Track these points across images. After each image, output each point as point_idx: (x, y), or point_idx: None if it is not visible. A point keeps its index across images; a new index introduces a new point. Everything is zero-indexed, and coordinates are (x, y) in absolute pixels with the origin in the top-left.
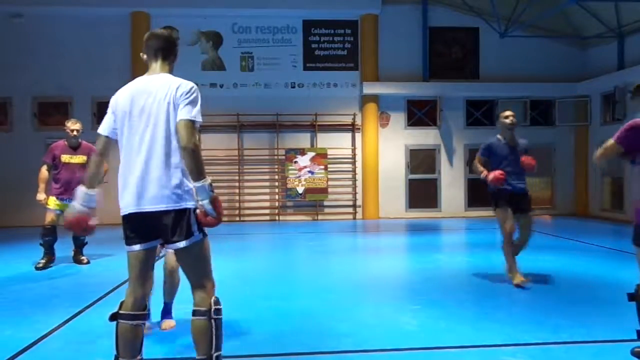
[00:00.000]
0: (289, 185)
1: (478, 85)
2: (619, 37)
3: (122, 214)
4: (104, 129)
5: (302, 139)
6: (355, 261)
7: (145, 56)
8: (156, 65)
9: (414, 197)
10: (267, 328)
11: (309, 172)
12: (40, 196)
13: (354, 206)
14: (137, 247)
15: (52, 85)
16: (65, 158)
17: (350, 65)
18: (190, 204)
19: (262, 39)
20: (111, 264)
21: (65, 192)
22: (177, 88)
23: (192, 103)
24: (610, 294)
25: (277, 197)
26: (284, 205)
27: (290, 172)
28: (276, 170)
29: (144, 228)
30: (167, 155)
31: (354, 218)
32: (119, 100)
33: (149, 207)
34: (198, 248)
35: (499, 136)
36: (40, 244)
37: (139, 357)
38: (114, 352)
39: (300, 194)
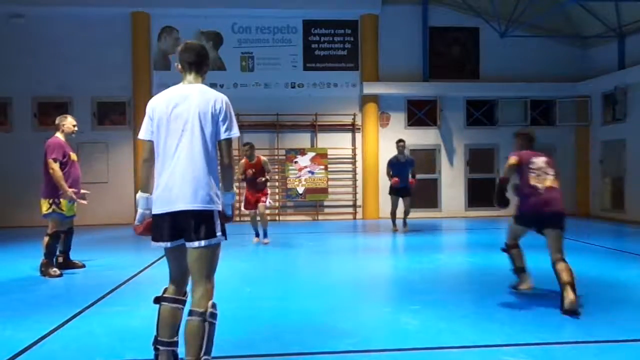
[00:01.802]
0: (289, 185)
1: (478, 85)
2: (620, 36)
3: (157, 212)
4: (147, 134)
5: (302, 139)
6: (355, 261)
7: (179, 66)
8: (190, 77)
9: (414, 197)
10: (267, 328)
11: (309, 172)
12: (70, 194)
13: (354, 206)
14: (168, 244)
15: (52, 85)
16: (72, 156)
17: (350, 65)
18: (217, 207)
19: (262, 39)
20: (110, 264)
21: (76, 192)
22: (215, 102)
23: (231, 120)
24: (610, 294)
25: (277, 197)
26: (284, 205)
27: (291, 172)
28: (276, 170)
29: (175, 226)
30: (206, 162)
31: (354, 218)
32: (156, 105)
33: (183, 206)
34: (212, 250)
35: (397, 154)
36: (50, 251)
37: (175, 338)
38: (154, 333)
39: (301, 194)
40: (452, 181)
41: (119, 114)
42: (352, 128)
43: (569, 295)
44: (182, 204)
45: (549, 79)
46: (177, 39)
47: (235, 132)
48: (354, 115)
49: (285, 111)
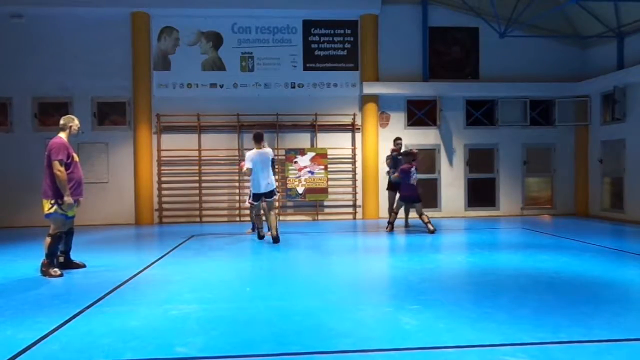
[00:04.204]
0: (289, 186)
1: (478, 85)
2: (619, 36)
3: (256, 192)
4: (251, 165)
5: (302, 139)
6: (355, 261)
7: (254, 140)
8: (258, 145)
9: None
10: (267, 328)
11: (309, 172)
12: (70, 200)
13: (354, 206)
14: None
15: (52, 85)
16: (75, 157)
17: (350, 65)
18: (274, 187)
19: (262, 39)
20: (110, 265)
21: (79, 193)
22: (270, 153)
23: (273, 156)
24: (610, 294)
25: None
26: (284, 205)
27: (290, 172)
28: (276, 170)
29: (263, 195)
30: (270, 174)
31: (354, 218)
32: (255, 155)
33: (264, 189)
34: (274, 200)
35: (394, 152)
36: (51, 252)
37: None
38: (254, 227)
39: (300, 194)
40: (451, 181)
41: (119, 114)
42: (352, 128)
43: (430, 227)
44: (264, 189)
45: (548, 79)
46: (177, 39)
47: (273, 158)
48: (354, 115)
49: (285, 111)
